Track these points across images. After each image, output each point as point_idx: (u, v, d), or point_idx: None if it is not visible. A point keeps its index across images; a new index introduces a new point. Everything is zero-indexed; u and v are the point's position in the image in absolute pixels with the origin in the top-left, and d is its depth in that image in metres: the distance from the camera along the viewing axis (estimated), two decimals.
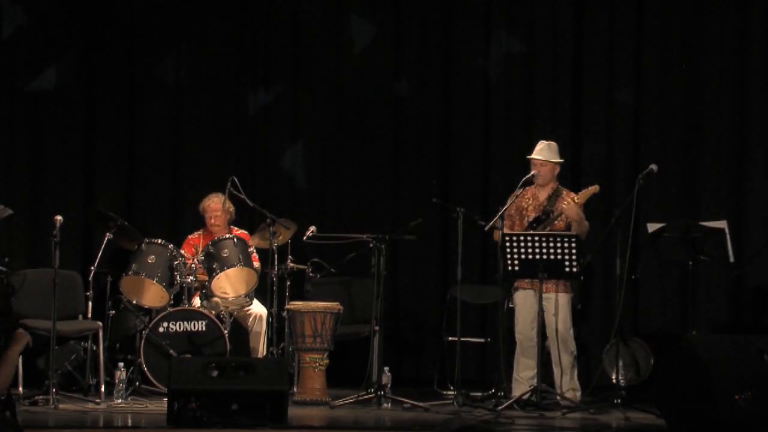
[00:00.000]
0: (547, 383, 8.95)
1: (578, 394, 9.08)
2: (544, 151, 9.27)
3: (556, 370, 9.06)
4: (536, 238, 8.76)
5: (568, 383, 9.05)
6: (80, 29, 10.89)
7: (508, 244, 8.77)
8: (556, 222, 9.09)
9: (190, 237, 10.02)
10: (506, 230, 9.00)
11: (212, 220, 9.87)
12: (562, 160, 9.30)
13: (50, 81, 10.83)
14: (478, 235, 9.39)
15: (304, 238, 9.70)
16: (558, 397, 8.93)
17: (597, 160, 10.64)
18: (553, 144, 9.32)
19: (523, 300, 9.17)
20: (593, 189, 9.11)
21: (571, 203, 9.04)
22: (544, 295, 8.97)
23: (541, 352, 8.86)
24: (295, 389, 9.24)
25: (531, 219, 9.18)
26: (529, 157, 9.30)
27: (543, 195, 9.27)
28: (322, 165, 11.09)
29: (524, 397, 8.84)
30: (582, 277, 9.42)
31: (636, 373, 9.50)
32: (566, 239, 8.75)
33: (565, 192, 9.24)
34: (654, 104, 10.61)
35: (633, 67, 10.62)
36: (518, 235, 8.82)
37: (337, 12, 11.05)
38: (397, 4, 11.04)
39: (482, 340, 10.26)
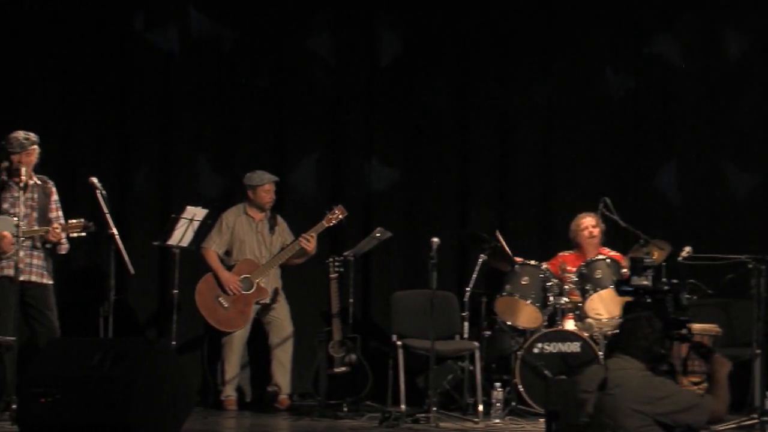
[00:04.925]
0: None
1: None
2: None
3: None
4: None
5: None
6: (452, 55, 11.14)
7: None
8: None
9: (560, 254, 10.04)
10: None
11: (585, 233, 9.86)
12: None
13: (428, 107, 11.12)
14: None
15: (679, 258, 9.50)
16: None
17: None
18: None
19: None
20: None
21: None
22: None
23: None
24: None
25: None
26: None
27: None
28: (697, 183, 10.84)
29: None
30: None
31: None
32: None
33: None
34: None
35: None
36: None
37: None
38: None
39: None
